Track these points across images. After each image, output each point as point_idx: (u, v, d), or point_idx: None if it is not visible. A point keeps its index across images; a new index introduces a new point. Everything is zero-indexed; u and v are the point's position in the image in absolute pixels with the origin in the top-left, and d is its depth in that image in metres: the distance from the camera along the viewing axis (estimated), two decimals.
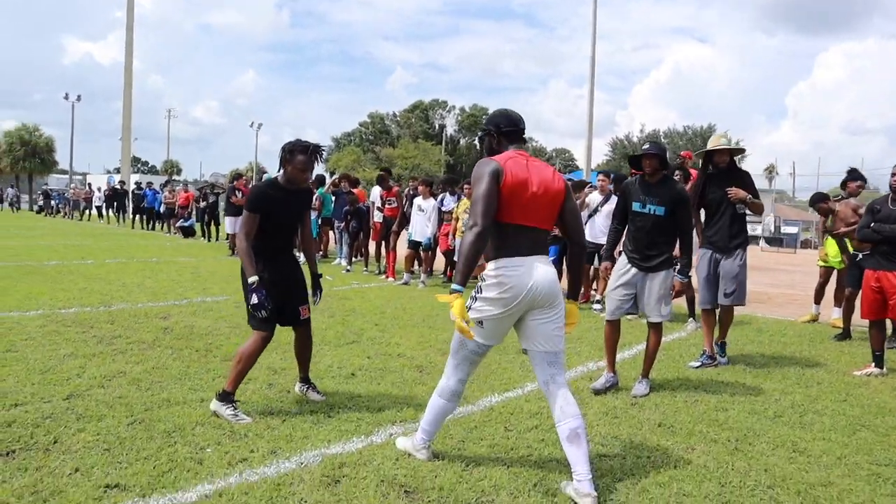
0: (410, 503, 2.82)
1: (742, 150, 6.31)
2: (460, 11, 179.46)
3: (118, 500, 2.72)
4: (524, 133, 3.24)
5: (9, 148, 49.18)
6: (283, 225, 3.96)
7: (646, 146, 4.81)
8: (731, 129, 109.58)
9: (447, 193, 10.61)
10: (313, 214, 12.09)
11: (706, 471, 3.31)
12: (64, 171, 55.50)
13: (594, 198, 8.73)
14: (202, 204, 18.19)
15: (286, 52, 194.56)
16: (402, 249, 10.93)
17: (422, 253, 10.60)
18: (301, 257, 11.78)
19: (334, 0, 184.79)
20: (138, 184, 26.13)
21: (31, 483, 2.83)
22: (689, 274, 4.86)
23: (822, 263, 8.13)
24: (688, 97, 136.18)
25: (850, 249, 7.12)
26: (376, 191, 11.72)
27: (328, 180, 13.47)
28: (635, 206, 4.79)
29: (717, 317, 5.69)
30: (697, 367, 5.43)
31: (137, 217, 23.95)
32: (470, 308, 3.04)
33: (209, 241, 17.63)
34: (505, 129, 3.17)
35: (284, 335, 4.06)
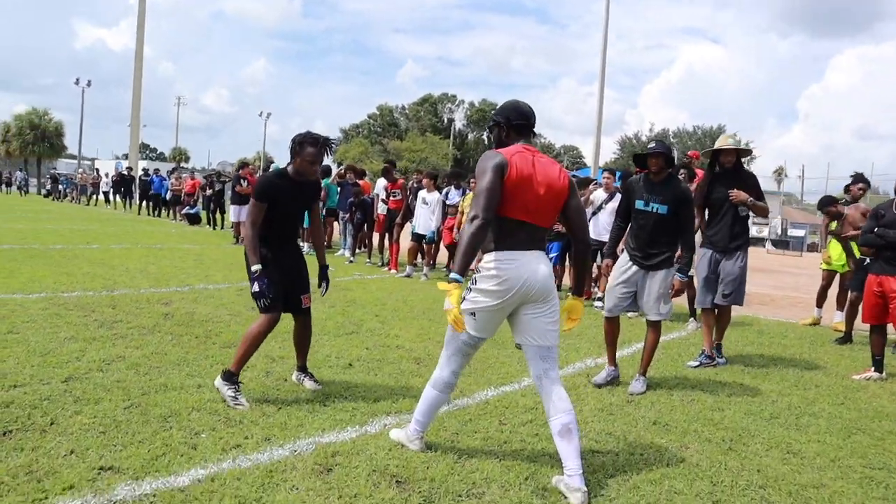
0: (401, 493, 2.83)
1: (749, 152, 6.29)
2: (475, 5, 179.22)
3: (111, 483, 2.75)
4: (534, 127, 3.21)
5: (18, 131, 49.35)
6: (290, 215, 4.01)
7: (651, 145, 4.81)
8: (741, 130, 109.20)
9: (452, 187, 10.61)
10: None
11: (699, 469, 3.31)
12: (73, 156, 55.56)
13: (598, 195, 8.72)
14: (208, 192, 18.24)
15: (298, 41, 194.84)
16: (406, 242, 10.94)
17: (425, 246, 10.61)
18: (305, 247, 11.80)
19: None
20: (145, 170, 26.22)
21: (27, 463, 2.86)
22: (690, 273, 4.86)
23: (824, 267, 8.10)
24: (699, 98, 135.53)
25: (857, 254, 7.09)
26: (381, 183, 11.73)
27: (334, 171, 13.46)
28: (638, 204, 4.78)
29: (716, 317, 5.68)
30: (696, 367, 5.42)
31: (144, 203, 24.04)
32: (464, 299, 3.05)
33: (214, 228, 17.69)
34: (515, 122, 3.15)
35: (284, 324, 4.08)
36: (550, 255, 8.64)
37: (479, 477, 3.03)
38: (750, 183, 5.53)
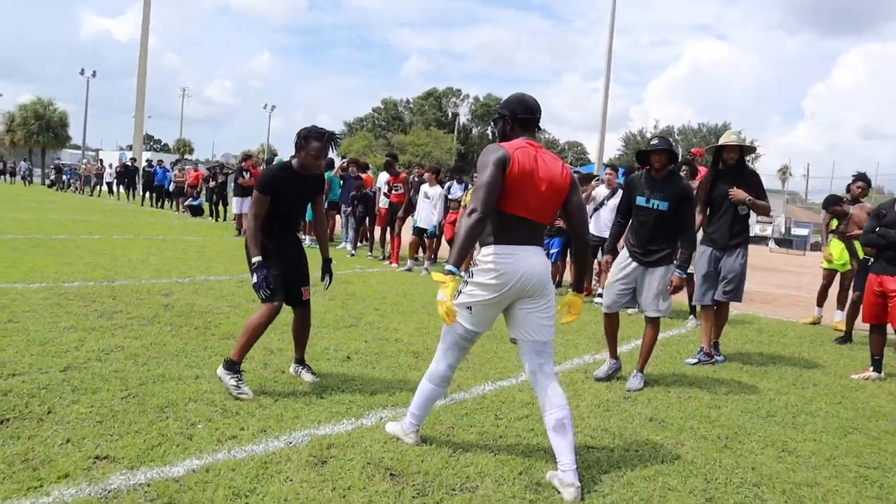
0: (395, 486, 2.84)
1: (753, 149, 6.27)
2: None
3: (107, 472, 2.76)
4: (539, 122, 3.19)
5: (23, 121, 49.47)
6: (293, 208, 4.04)
7: (654, 141, 4.80)
8: (746, 128, 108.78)
9: (454, 181, 10.59)
10: None
11: (693, 466, 3.32)
12: (77, 147, 55.78)
13: (601, 191, 8.71)
14: (211, 184, 18.25)
15: (303, 34, 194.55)
16: (408, 236, 10.94)
17: (426, 240, 10.61)
18: (307, 240, 11.78)
19: None
20: (149, 161, 26.22)
21: (23, 451, 2.88)
22: (689, 270, 4.86)
23: (825, 265, 8.08)
24: (704, 94, 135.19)
25: (861, 254, 7.07)
26: (383, 176, 11.72)
27: (337, 164, 13.46)
28: (639, 201, 4.78)
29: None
30: (694, 364, 5.42)
31: (147, 194, 24.05)
32: (460, 292, 3.05)
33: (217, 220, 17.72)
34: (520, 117, 3.13)
35: (283, 316, 4.08)
36: (551, 251, 8.64)
37: (474, 471, 3.03)
38: (752, 181, 5.52)
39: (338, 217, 13.37)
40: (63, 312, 5.42)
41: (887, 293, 5.31)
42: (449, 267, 2.88)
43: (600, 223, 8.34)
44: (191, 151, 67.48)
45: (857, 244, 7.12)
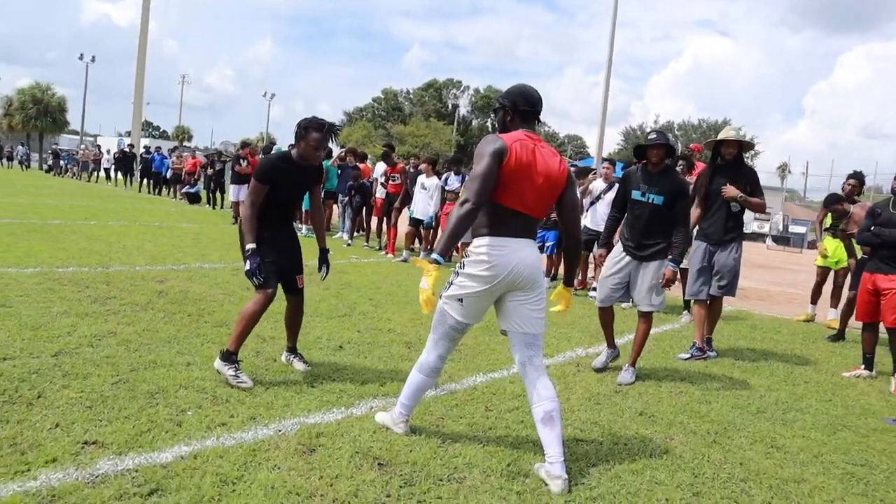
0: (382, 475, 2.84)
1: (752, 146, 6.27)
2: None
3: (94, 457, 2.76)
4: (539, 115, 3.16)
5: (21, 106, 49.23)
6: (291, 198, 4.05)
7: (652, 136, 4.79)
8: (746, 125, 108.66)
9: (451, 173, 10.57)
10: None
11: (681, 461, 3.33)
12: (75, 132, 55.53)
13: (597, 185, 8.70)
14: (209, 171, 18.20)
15: (304, 23, 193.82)
16: (404, 226, 10.93)
17: (422, 231, 10.60)
18: (304, 230, 11.74)
19: None
20: (147, 148, 26.13)
21: (11, 435, 2.88)
22: (683, 265, 4.87)
23: (820, 263, 8.08)
24: (705, 90, 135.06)
25: (859, 253, 7.07)
26: (381, 167, 11.70)
27: (335, 153, 13.42)
28: (635, 195, 4.78)
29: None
30: (686, 359, 5.43)
31: (144, 181, 23.98)
32: (451, 284, 3.05)
33: (214, 208, 17.68)
34: (521, 108, 3.09)
35: (276, 305, 4.08)
36: (546, 244, 8.64)
37: (462, 462, 3.04)
38: (749, 177, 5.52)
39: (335, 206, 13.36)
40: (56, 297, 5.41)
41: (880, 292, 5.32)
42: (434, 256, 2.88)
43: (597, 217, 8.35)
44: (190, 139, 67.29)
45: (855, 243, 7.12)
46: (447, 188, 10.31)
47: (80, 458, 2.74)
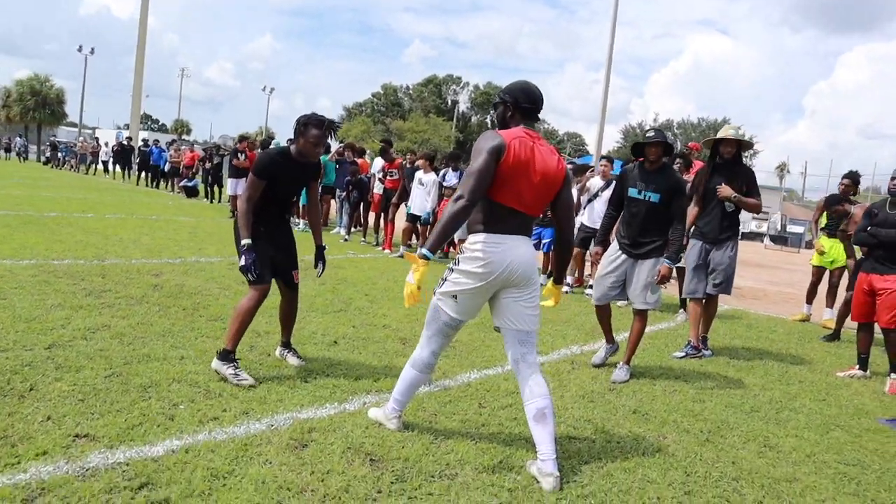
0: (374, 471, 2.84)
1: (750, 145, 6.25)
2: None
3: (85, 450, 2.76)
4: (540, 112, 3.15)
5: (19, 97, 48.97)
6: (289, 194, 4.04)
7: (650, 134, 4.79)
8: (746, 124, 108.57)
9: (449, 169, 10.56)
10: None
11: (674, 459, 3.33)
12: (73, 124, 55.34)
13: (595, 182, 8.69)
14: (207, 165, 18.16)
15: (305, 17, 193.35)
16: (401, 222, 10.91)
17: (419, 227, 10.59)
18: (300, 224, 11.69)
19: None
20: (145, 141, 26.06)
21: (2, 428, 2.87)
22: (680, 264, 4.87)
23: (815, 262, 8.08)
24: (705, 89, 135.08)
25: (859, 254, 7.07)
26: (378, 162, 11.68)
27: (334, 149, 13.39)
28: (631, 192, 4.78)
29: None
30: (681, 358, 5.43)
31: (142, 174, 23.93)
32: (445, 280, 3.05)
33: (212, 202, 17.65)
34: (523, 105, 3.07)
35: (271, 300, 4.07)
36: (543, 241, 8.64)
37: (454, 458, 3.04)
38: (745, 177, 5.51)
39: (333, 202, 13.34)
40: (51, 290, 5.40)
41: (876, 292, 5.32)
42: (423, 251, 2.87)
43: (594, 214, 8.34)
44: (188, 132, 67.08)
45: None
46: (445, 184, 10.29)
47: (70, 451, 2.74)
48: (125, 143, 27.50)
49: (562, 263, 3.36)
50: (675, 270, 5.45)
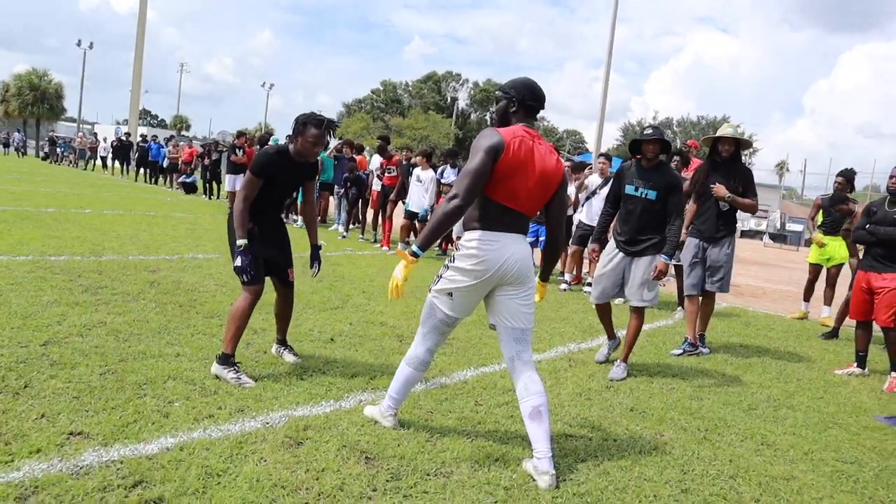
0: (369, 469, 2.83)
1: (749, 144, 6.24)
2: None
3: (79, 448, 2.74)
4: (540, 111, 3.15)
5: (18, 92, 48.81)
6: (286, 193, 4.02)
7: (648, 131, 4.78)
8: (745, 122, 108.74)
9: (448, 165, 10.54)
10: None
11: (671, 457, 3.32)
12: (72, 119, 55.19)
13: (593, 180, 8.68)
14: (206, 161, 18.12)
15: (305, 14, 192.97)
16: (399, 219, 10.89)
17: (417, 224, 10.57)
18: (298, 221, 11.66)
19: None
20: (143, 136, 26.02)
21: None
22: (678, 262, 4.86)
23: (811, 260, 8.06)
24: (705, 87, 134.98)
25: (861, 253, 7.05)
26: (377, 159, 11.65)
27: (332, 145, 13.36)
28: (628, 189, 4.78)
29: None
30: (678, 355, 5.43)
31: (141, 170, 23.88)
32: (441, 277, 3.03)
33: (210, 198, 17.62)
34: (528, 103, 3.05)
35: (267, 297, 4.06)
36: (541, 239, 8.62)
37: (450, 456, 3.03)
38: (743, 177, 5.49)
39: (331, 198, 13.31)
40: (47, 286, 5.38)
41: (874, 290, 5.32)
42: (414, 248, 2.86)
43: (592, 212, 8.33)
44: (188, 128, 66.90)
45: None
46: (443, 181, 10.27)
47: (64, 448, 2.72)
48: (124, 138, 27.46)
49: (549, 261, 3.35)
50: (672, 268, 5.43)
